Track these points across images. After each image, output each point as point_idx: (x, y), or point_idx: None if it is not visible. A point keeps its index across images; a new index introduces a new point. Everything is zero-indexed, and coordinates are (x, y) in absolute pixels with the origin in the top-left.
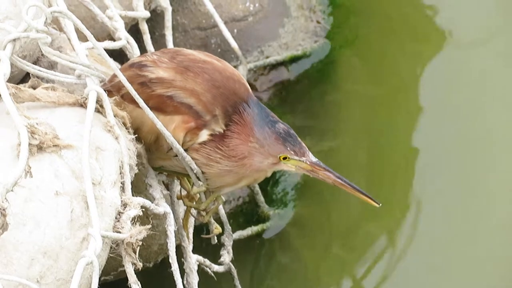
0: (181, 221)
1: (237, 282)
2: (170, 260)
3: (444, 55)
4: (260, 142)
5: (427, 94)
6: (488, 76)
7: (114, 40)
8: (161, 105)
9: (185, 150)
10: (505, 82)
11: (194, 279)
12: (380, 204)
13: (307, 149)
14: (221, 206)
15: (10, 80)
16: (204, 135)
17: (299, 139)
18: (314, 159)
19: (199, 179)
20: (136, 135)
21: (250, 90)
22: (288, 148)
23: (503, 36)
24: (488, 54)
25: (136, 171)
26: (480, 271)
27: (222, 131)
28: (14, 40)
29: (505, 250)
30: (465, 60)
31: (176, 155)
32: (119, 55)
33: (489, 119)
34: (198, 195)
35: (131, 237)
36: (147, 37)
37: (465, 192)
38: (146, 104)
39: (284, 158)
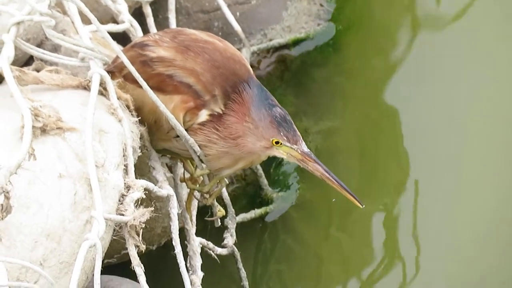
0: (184, 203)
1: (240, 265)
2: (173, 243)
3: (447, 34)
4: (255, 123)
5: (429, 73)
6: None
7: (118, 23)
8: (160, 84)
9: (185, 130)
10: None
11: (197, 261)
12: (364, 206)
13: (300, 138)
14: (224, 189)
15: (14, 63)
16: (203, 115)
17: (294, 126)
18: (305, 149)
19: (202, 162)
20: (139, 117)
21: (251, 71)
22: (281, 133)
23: None
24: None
25: (139, 153)
26: (477, 247)
27: (221, 111)
28: (18, 23)
29: (500, 231)
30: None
31: (177, 136)
32: (122, 38)
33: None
34: (201, 177)
35: (134, 219)
36: (150, 20)
37: (457, 172)
38: (147, 83)
39: (277, 143)
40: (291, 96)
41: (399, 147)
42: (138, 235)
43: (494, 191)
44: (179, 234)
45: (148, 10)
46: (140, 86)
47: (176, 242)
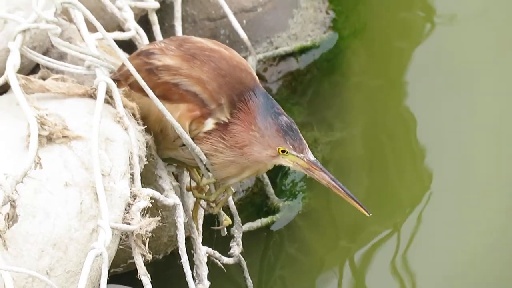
0: (191, 212)
1: (247, 274)
2: (180, 252)
3: (454, 41)
4: (261, 131)
5: (435, 82)
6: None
7: (124, 31)
8: (167, 93)
9: (191, 139)
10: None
11: (204, 271)
12: (370, 214)
13: (306, 146)
14: (230, 198)
15: (20, 71)
16: (209, 124)
17: (300, 135)
18: (312, 158)
19: (208, 170)
20: (145, 126)
21: (257, 79)
22: (288, 142)
23: None
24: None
25: (146, 162)
26: (485, 259)
27: (227, 120)
28: (24, 31)
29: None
30: (468, 40)
31: (183, 145)
32: (128, 46)
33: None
34: (207, 186)
35: (140, 228)
36: (156, 28)
37: (468, 182)
38: (153, 92)
39: (283, 152)
40: (297, 104)
41: (408, 157)
42: (145, 244)
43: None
44: (185, 243)
45: (154, 18)
46: (146, 95)
47: (183, 251)
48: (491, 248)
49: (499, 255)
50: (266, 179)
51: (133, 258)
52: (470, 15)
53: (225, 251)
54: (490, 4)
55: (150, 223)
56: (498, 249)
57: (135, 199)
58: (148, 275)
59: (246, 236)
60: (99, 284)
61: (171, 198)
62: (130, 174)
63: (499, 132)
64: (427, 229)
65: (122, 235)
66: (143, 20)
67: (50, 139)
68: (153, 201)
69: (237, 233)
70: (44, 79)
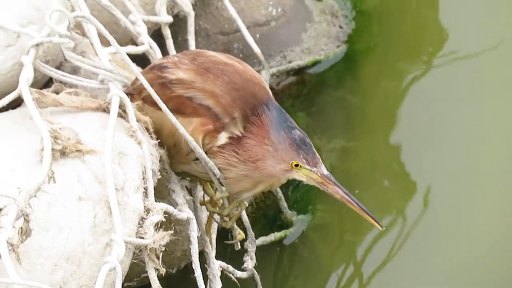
0: (204, 226)
1: None
2: (193, 266)
3: (463, 60)
4: (274, 145)
5: (444, 101)
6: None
7: (137, 45)
8: (180, 107)
9: (205, 153)
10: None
11: (217, 285)
12: (384, 228)
13: (320, 160)
14: (244, 212)
15: (33, 85)
16: (222, 138)
17: (313, 149)
18: (325, 172)
19: (221, 184)
20: (159, 140)
21: (271, 93)
22: (301, 156)
23: None
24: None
25: (159, 176)
26: (488, 262)
27: (240, 134)
28: (37, 45)
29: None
30: (479, 68)
31: (196, 159)
32: (141, 60)
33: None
34: (221, 200)
35: (154, 242)
36: (169, 42)
37: (473, 193)
38: (166, 106)
39: (296, 166)
40: (310, 118)
41: (412, 167)
42: (158, 258)
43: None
44: (199, 257)
45: (167, 32)
46: (159, 109)
47: (196, 265)
48: (493, 252)
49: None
50: (280, 193)
51: (146, 272)
52: (484, 43)
53: (239, 265)
54: (506, 33)
55: (163, 237)
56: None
57: (148, 213)
58: None
59: (260, 250)
60: None
61: (184, 212)
62: (144, 188)
63: (503, 148)
64: (435, 239)
65: (135, 249)
66: (157, 34)
67: (63, 153)
68: (166, 215)
69: (251, 247)
70: (57, 93)
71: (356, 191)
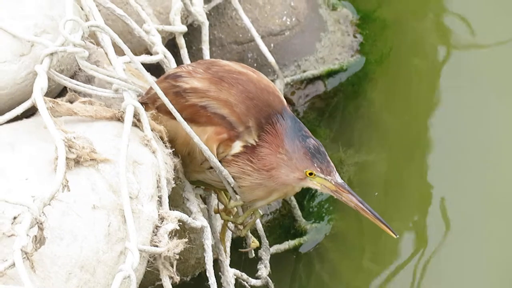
0: (218, 235)
1: None
2: (208, 274)
3: (479, 69)
4: (288, 154)
5: (462, 109)
6: None
7: (151, 54)
8: (194, 116)
9: (219, 162)
10: None
11: None
12: (398, 236)
13: (334, 169)
14: (258, 220)
15: (47, 94)
16: (237, 146)
17: (328, 157)
18: (339, 180)
19: (236, 193)
20: (173, 149)
21: (285, 102)
22: (315, 165)
23: None
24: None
25: (173, 185)
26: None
27: (254, 143)
28: (51, 54)
29: None
30: (493, 65)
31: (211, 168)
32: (156, 69)
33: None
34: (235, 209)
35: (168, 251)
36: (184, 51)
37: (490, 209)
38: (180, 115)
39: (310, 174)
40: (325, 127)
41: (433, 181)
42: (172, 266)
43: None
44: (213, 265)
45: (181, 41)
46: (174, 118)
47: (210, 273)
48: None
49: None
50: (294, 202)
51: (161, 280)
52: (494, 42)
53: (253, 273)
54: None
55: (177, 245)
56: None
57: (162, 221)
58: None
59: (274, 258)
60: None
61: (199, 221)
62: (158, 197)
63: None
64: (452, 252)
65: (150, 257)
66: (171, 44)
67: (77, 162)
68: (181, 223)
69: (265, 255)
70: (71, 102)
71: (376, 193)
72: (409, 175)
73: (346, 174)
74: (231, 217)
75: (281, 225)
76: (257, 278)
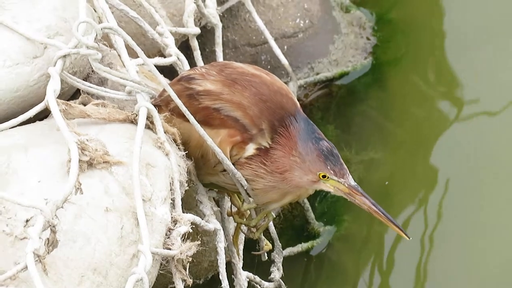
0: (231, 237)
1: None
2: (220, 277)
3: (488, 74)
4: (302, 157)
5: (474, 110)
6: None
7: (165, 57)
8: (207, 118)
9: (232, 164)
10: None
11: None
12: (411, 238)
13: (347, 171)
14: (271, 223)
15: (60, 97)
16: (250, 149)
17: (341, 160)
18: (353, 183)
19: (249, 196)
20: (186, 151)
21: (298, 104)
22: (328, 167)
23: None
24: None
25: (186, 187)
26: None
27: (268, 145)
28: (64, 56)
29: None
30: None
31: (224, 170)
32: (169, 71)
33: None
34: (248, 211)
35: (181, 253)
36: (197, 54)
37: (498, 215)
38: (194, 117)
39: (324, 177)
40: (338, 129)
41: (442, 183)
42: (185, 269)
43: None
44: (226, 268)
45: (195, 44)
46: (187, 120)
47: (223, 276)
48: None
49: None
50: (307, 204)
51: (173, 283)
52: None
53: (266, 276)
54: None
55: (190, 248)
56: None
57: (175, 224)
58: None
59: (287, 260)
60: None
61: (212, 223)
62: (171, 200)
63: None
64: (465, 252)
65: (162, 260)
66: (184, 46)
67: (90, 164)
68: (194, 226)
69: (278, 258)
70: (84, 104)
71: (386, 183)
72: (415, 177)
73: (355, 173)
74: (244, 219)
75: (294, 227)
76: (269, 280)
